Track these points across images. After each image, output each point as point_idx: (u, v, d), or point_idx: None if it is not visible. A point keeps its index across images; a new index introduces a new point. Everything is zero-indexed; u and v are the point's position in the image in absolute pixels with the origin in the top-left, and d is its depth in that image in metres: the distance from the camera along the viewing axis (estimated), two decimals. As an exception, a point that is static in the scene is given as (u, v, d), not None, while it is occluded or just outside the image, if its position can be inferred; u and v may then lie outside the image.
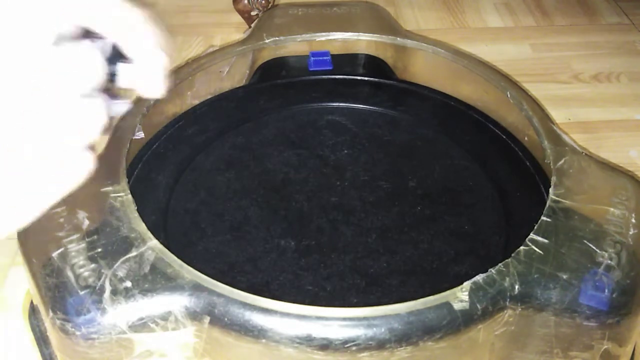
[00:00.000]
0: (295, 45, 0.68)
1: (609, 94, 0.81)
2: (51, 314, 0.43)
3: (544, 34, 0.91)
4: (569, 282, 0.44)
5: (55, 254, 0.45)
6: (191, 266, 0.45)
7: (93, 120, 0.33)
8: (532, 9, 0.95)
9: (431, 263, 0.51)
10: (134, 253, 0.45)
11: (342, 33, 0.67)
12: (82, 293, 0.43)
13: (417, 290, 0.48)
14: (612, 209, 0.48)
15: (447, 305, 0.42)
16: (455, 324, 0.42)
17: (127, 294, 0.43)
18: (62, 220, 0.47)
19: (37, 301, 0.45)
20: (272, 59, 0.69)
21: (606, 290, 0.43)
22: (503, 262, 0.45)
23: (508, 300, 0.43)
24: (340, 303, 0.47)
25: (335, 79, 0.67)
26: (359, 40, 0.68)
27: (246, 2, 0.87)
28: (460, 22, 0.94)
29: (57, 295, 0.43)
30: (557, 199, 0.49)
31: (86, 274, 0.44)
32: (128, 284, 0.43)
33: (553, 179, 0.50)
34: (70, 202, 0.49)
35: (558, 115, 0.75)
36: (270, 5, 0.87)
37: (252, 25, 0.72)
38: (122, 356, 0.43)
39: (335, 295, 0.48)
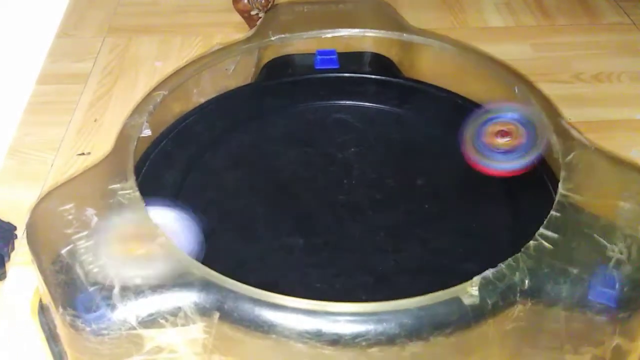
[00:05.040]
0: (301, 42, 0.68)
1: (610, 93, 0.81)
2: (61, 310, 0.43)
3: (545, 33, 0.91)
4: (579, 276, 0.44)
5: (64, 251, 0.45)
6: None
7: None
8: (533, 9, 0.96)
9: (439, 260, 0.51)
10: (143, 249, 0.45)
11: (348, 30, 0.67)
12: (91, 289, 0.43)
13: (425, 287, 0.48)
14: (622, 203, 0.48)
15: (457, 300, 0.42)
16: (466, 319, 0.42)
17: (137, 290, 0.43)
18: (70, 217, 0.47)
19: (47, 298, 0.45)
20: (278, 57, 0.69)
21: (617, 285, 0.43)
22: (513, 257, 0.44)
23: (518, 295, 0.43)
24: (348, 300, 0.47)
25: (342, 77, 0.67)
26: (365, 38, 0.68)
27: (246, 1, 0.87)
28: (460, 22, 0.94)
29: (66, 291, 0.43)
30: (566, 193, 0.49)
31: (95, 270, 0.44)
32: (138, 280, 0.43)
33: (562, 174, 0.50)
34: (79, 199, 0.49)
35: (560, 112, 0.75)
36: (270, 4, 0.87)
37: (258, 23, 0.72)
38: (132, 352, 0.43)
39: (343, 293, 0.48)
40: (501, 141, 0.54)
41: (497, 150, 0.54)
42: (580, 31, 0.92)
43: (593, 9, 0.96)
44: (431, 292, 0.43)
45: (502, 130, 0.54)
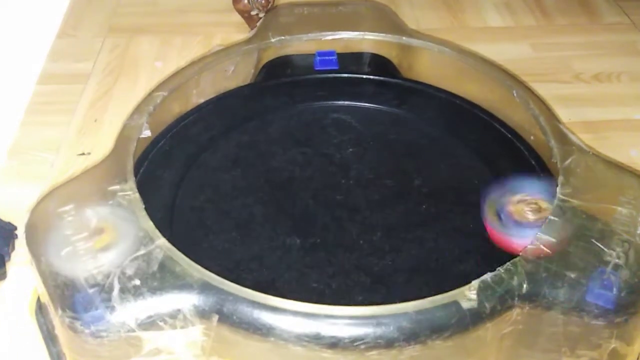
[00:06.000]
0: (301, 44, 0.68)
1: (610, 93, 0.81)
2: (60, 312, 0.43)
3: (544, 33, 0.91)
4: (577, 281, 0.44)
5: (63, 252, 0.45)
6: (197, 264, 0.45)
7: None
8: (533, 9, 0.95)
9: (436, 261, 0.51)
10: (142, 251, 0.45)
11: (347, 32, 0.67)
12: (91, 291, 0.43)
13: (422, 288, 0.48)
14: (619, 208, 0.48)
15: (456, 304, 0.42)
16: (464, 322, 0.42)
17: (136, 292, 0.43)
18: (70, 218, 0.47)
19: (46, 299, 0.45)
20: (277, 58, 0.69)
21: (614, 289, 0.44)
22: (511, 261, 0.45)
23: (516, 299, 0.43)
24: (345, 301, 0.47)
25: (341, 77, 0.67)
26: (365, 39, 0.68)
27: (246, 1, 0.87)
28: (460, 22, 0.94)
29: (65, 293, 0.43)
30: (564, 197, 0.49)
31: (95, 272, 0.44)
32: (137, 282, 0.43)
33: (560, 178, 0.51)
34: (78, 200, 0.49)
35: (559, 115, 0.75)
36: (270, 5, 0.87)
37: (258, 24, 0.72)
38: (131, 354, 0.43)
39: (340, 293, 0.48)
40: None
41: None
42: (580, 31, 0.91)
43: (593, 9, 0.95)
44: (428, 293, 0.43)
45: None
